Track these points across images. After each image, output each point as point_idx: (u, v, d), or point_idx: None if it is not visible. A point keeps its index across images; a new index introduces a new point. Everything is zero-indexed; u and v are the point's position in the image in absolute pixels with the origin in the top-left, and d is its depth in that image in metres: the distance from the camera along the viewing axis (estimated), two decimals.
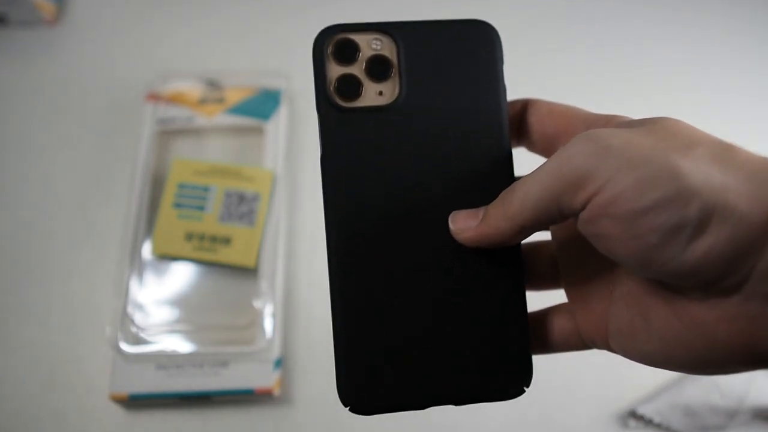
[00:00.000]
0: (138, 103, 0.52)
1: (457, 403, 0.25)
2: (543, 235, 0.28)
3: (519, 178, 0.24)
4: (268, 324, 0.44)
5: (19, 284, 0.47)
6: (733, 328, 0.20)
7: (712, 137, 0.20)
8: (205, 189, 0.47)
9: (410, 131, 0.25)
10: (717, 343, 0.20)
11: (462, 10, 0.43)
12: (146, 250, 0.46)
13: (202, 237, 0.46)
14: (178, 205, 0.47)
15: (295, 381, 0.45)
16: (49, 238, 0.49)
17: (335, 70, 0.25)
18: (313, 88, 0.25)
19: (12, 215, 0.50)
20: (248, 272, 0.46)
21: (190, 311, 0.45)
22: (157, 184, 0.49)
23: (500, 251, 0.25)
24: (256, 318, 0.44)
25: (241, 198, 0.47)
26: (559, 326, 0.26)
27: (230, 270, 0.46)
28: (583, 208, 0.20)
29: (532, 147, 0.27)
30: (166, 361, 0.43)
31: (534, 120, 0.26)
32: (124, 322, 0.44)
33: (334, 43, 0.25)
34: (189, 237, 0.46)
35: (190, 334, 0.44)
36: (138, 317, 0.44)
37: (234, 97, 0.51)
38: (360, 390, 0.24)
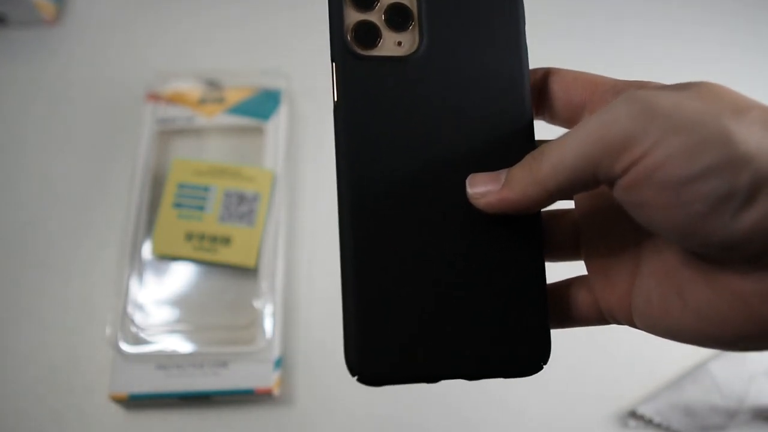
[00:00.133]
0: (138, 103, 0.52)
1: (469, 378, 0.23)
2: (564, 204, 0.26)
3: (540, 142, 0.23)
4: (268, 324, 0.44)
5: (19, 284, 0.47)
6: None
7: (761, 103, 0.19)
8: (205, 189, 0.47)
9: (429, 86, 0.24)
10: (758, 317, 0.19)
11: None
12: (146, 250, 0.46)
13: (202, 237, 0.46)
14: (178, 205, 0.47)
15: (295, 381, 0.45)
16: (49, 238, 0.49)
17: (353, 16, 0.24)
18: (328, 37, 0.24)
19: (12, 215, 0.50)
20: (248, 272, 0.46)
21: (190, 311, 0.45)
22: (157, 184, 0.48)
23: (519, 218, 0.23)
24: (256, 318, 0.44)
25: (241, 198, 0.47)
26: (578, 300, 0.25)
27: (230, 270, 0.46)
28: (625, 173, 0.19)
29: (555, 118, 0.25)
30: (166, 361, 0.43)
31: (558, 88, 0.24)
32: (124, 322, 0.44)
33: None
34: (189, 237, 0.46)
35: (190, 334, 0.44)
36: (138, 317, 0.44)
37: (234, 97, 0.51)
38: (368, 359, 0.23)
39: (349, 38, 0.24)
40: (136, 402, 0.43)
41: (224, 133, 0.51)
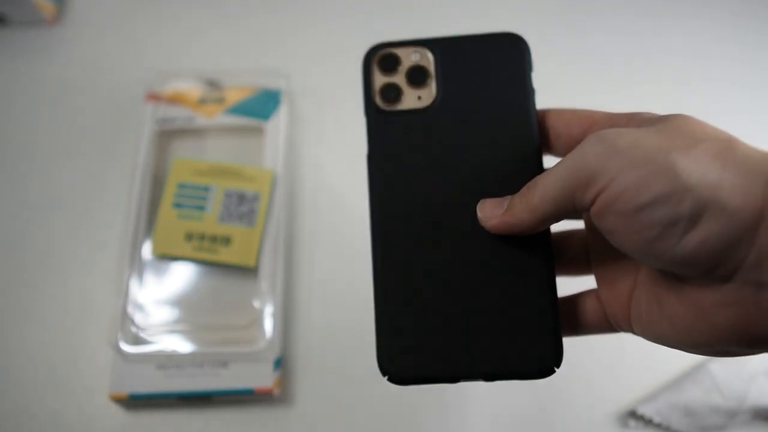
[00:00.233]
0: (138, 103, 0.52)
1: (487, 379, 0.26)
2: (576, 224, 0.30)
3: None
4: (268, 324, 0.44)
5: (19, 284, 0.48)
6: (731, 312, 0.21)
7: (719, 133, 0.22)
8: (205, 189, 0.47)
9: (445, 130, 0.28)
10: (717, 327, 0.22)
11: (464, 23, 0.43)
12: (146, 250, 0.46)
13: (202, 237, 0.46)
14: (178, 205, 0.47)
15: (295, 381, 0.45)
16: (49, 238, 0.49)
17: (380, 80, 0.29)
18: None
19: (11, 215, 0.50)
20: (248, 272, 0.46)
21: (190, 311, 0.45)
22: (157, 184, 0.49)
23: (530, 237, 0.26)
24: (256, 318, 0.44)
25: (241, 198, 0.47)
26: (588, 309, 0.28)
27: (230, 270, 0.46)
28: (592, 203, 0.22)
29: (558, 151, 0.28)
30: (166, 361, 0.43)
31: (559, 125, 0.28)
32: (124, 322, 0.44)
33: (379, 57, 0.29)
34: (189, 237, 0.46)
35: (190, 334, 0.44)
36: (138, 317, 0.44)
37: (234, 97, 0.51)
38: (397, 361, 0.26)
39: (377, 99, 0.29)
40: (136, 402, 0.43)
41: (224, 133, 0.51)
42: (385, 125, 0.28)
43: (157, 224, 0.47)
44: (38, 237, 0.49)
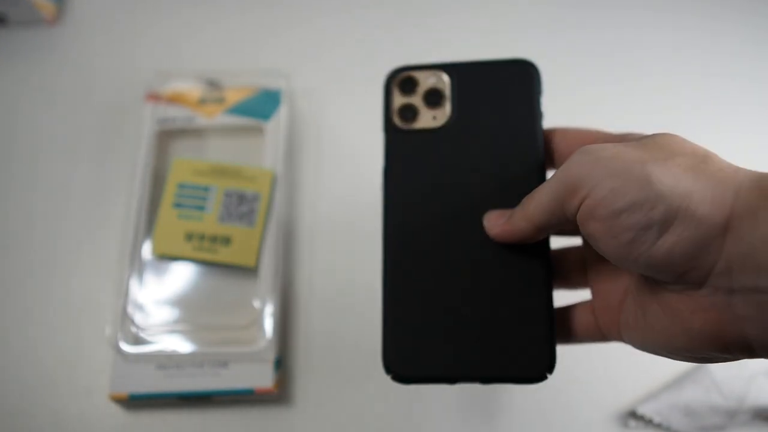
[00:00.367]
0: (138, 103, 0.52)
1: (483, 382, 0.27)
2: (575, 241, 0.32)
3: None
4: (268, 324, 0.44)
5: (19, 284, 0.48)
6: (705, 318, 0.23)
7: (697, 149, 0.23)
8: (205, 189, 0.47)
9: (457, 148, 0.30)
10: (693, 332, 0.23)
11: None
12: (146, 250, 0.46)
13: (202, 237, 0.46)
14: (178, 205, 0.47)
15: (295, 381, 0.45)
16: (49, 238, 0.49)
17: (399, 100, 0.31)
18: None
19: (11, 215, 0.50)
20: (248, 272, 0.46)
21: (190, 311, 0.45)
22: (157, 184, 0.48)
23: (530, 249, 0.28)
24: (256, 318, 0.44)
25: (241, 198, 0.47)
26: (581, 319, 0.30)
27: (230, 270, 0.46)
28: (578, 210, 0.24)
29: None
30: (166, 361, 0.43)
31: (564, 144, 0.30)
32: (124, 322, 0.44)
33: (399, 79, 0.32)
34: (189, 237, 0.46)
35: (190, 334, 0.44)
36: (138, 317, 0.44)
37: (234, 97, 0.51)
38: (400, 362, 0.28)
39: (395, 118, 0.31)
40: (136, 402, 0.43)
41: (224, 133, 0.51)
42: (401, 142, 0.31)
43: (157, 224, 0.47)
44: (38, 237, 0.49)
